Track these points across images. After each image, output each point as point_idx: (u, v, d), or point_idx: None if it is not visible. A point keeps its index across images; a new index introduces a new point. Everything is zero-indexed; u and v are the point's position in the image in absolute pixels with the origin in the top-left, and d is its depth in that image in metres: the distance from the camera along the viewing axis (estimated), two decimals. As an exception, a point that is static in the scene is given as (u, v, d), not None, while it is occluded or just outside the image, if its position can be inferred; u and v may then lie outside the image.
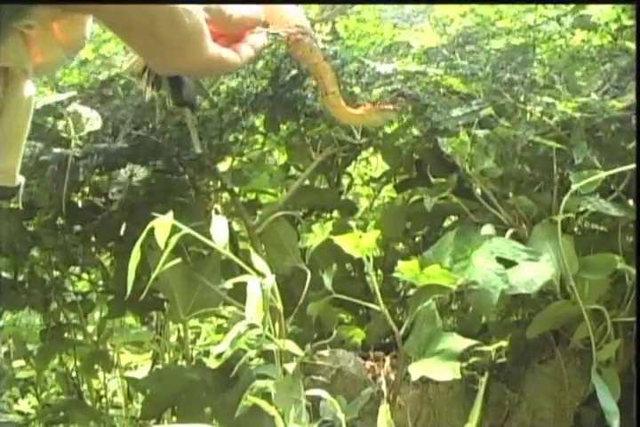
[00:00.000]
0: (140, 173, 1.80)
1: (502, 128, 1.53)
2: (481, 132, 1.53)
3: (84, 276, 2.27)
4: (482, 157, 1.57)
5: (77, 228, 1.94)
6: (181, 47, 0.76)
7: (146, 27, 0.73)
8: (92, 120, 1.61)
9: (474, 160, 1.57)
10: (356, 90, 1.58)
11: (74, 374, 2.33)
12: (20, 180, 0.82)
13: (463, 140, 1.54)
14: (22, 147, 0.81)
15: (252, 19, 0.83)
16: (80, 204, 1.94)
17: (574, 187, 1.49)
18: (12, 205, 1.89)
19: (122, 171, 1.79)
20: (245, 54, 0.84)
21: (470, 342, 1.53)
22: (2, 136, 0.77)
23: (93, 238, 2.02)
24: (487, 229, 1.59)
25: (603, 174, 1.49)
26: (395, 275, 1.58)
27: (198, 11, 0.75)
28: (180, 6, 0.73)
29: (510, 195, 1.67)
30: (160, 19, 0.73)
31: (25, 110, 0.79)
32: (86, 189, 1.90)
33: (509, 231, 1.61)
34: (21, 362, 2.48)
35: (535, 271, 1.51)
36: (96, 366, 2.23)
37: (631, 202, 1.60)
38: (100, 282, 2.24)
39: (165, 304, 2.03)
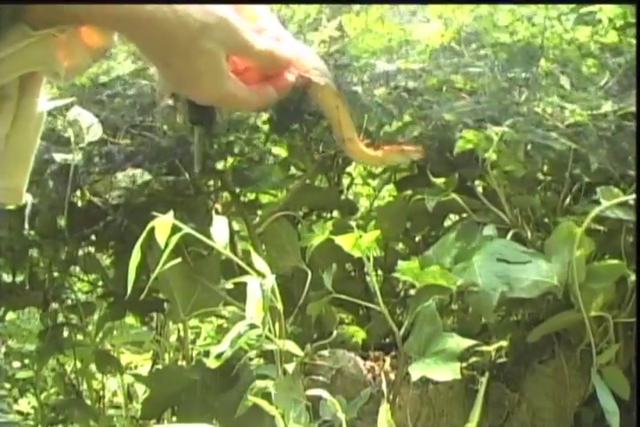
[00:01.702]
0: (141, 173, 1.79)
1: (515, 127, 1.52)
2: (497, 129, 1.51)
3: (84, 277, 2.27)
4: (509, 155, 1.54)
5: (77, 229, 1.94)
6: (195, 81, 0.77)
7: (162, 57, 0.74)
8: (93, 129, 1.60)
9: (500, 158, 1.54)
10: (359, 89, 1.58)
11: (73, 374, 2.33)
12: (27, 198, 0.80)
13: (488, 136, 1.50)
14: (30, 164, 0.79)
15: (285, 59, 0.82)
16: (80, 204, 1.94)
17: (605, 204, 1.49)
18: (11, 207, 1.89)
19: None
20: (267, 96, 0.82)
21: (470, 342, 1.53)
22: (11, 152, 0.76)
23: (93, 238, 2.02)
24: (489, 229, 1.59)
25: (632, 197, 1.49)
26: (395, 275, 1.58)
27: (218, 49, 0.74)
28: (199, 44, 0.73)
29: (515, 194, 1.66)
30: (175, 53, 0.73)
31: (35, 126, 0.78)
32: (87, 190, 1.90)
33: (511, 232, 1.61)
34: (21, 362, 2.49)
35: (538, 275, 1.51)
36: (107, 367, 2.23)
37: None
38: (100, 283, 2.24)
39: (165, 304, 2.03)
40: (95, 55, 0.78)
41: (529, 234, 1.63)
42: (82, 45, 0.76)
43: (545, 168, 1.70)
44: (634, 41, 1.53)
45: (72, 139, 1.60)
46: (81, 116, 1.60)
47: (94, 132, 1.60)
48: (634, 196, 1.49)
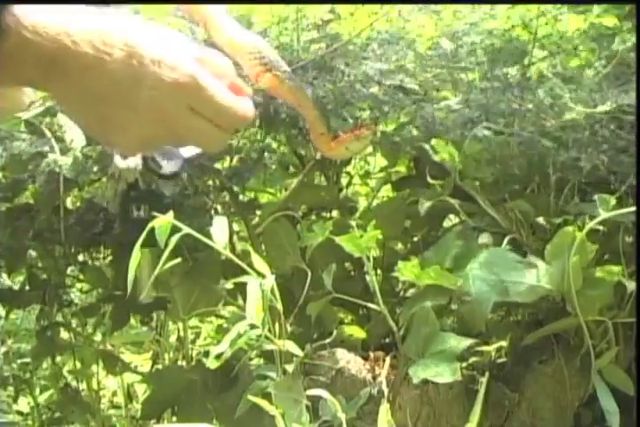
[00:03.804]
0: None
1: (499, 128, 1.53)
2: (479, 132, 1.52)
3: (84, 277, 2.26)
4: (473, 165, 1.55)
5: (75, 230, 1.93)
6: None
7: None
8: (76, 140, 1.59)
9: (464, 168, 1.56)
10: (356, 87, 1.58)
11: (73, 375, 2.33)
12: None
13: (451, 151, 1.53)
14: None
15: (242, 115, 0.75)
16: (78, 205, 1.93)
17: (604, 215, 1.48)
18: (9, 206, 1.89)
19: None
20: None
21: (470, 341, 1.53)
22: None
23: (92, 239, 2.02)
24: (484, 237, 1.59)
25: (631, 209, 1.48)
26: (395, 274, 1.58)
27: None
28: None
29: (507, 199, 1.66)
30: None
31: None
32: (85, 191, 1.90)
33: (507, 238, 1.61)
34: (22, 362, 2.49)
35: (534, 281, 1.51)
36: (114, 368, 2.23)
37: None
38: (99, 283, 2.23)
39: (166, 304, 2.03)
40: (30, 96, 0.72)
41: (525, 238, 1.63)
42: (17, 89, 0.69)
43: (534, 169, 1.69)
44: (633, 39, 1.53)
45: (54, 143, 1.59)
46: (63, 124, 1.58)
47: (77, 141, 1.58)
48: (633, 208, 1.48)
